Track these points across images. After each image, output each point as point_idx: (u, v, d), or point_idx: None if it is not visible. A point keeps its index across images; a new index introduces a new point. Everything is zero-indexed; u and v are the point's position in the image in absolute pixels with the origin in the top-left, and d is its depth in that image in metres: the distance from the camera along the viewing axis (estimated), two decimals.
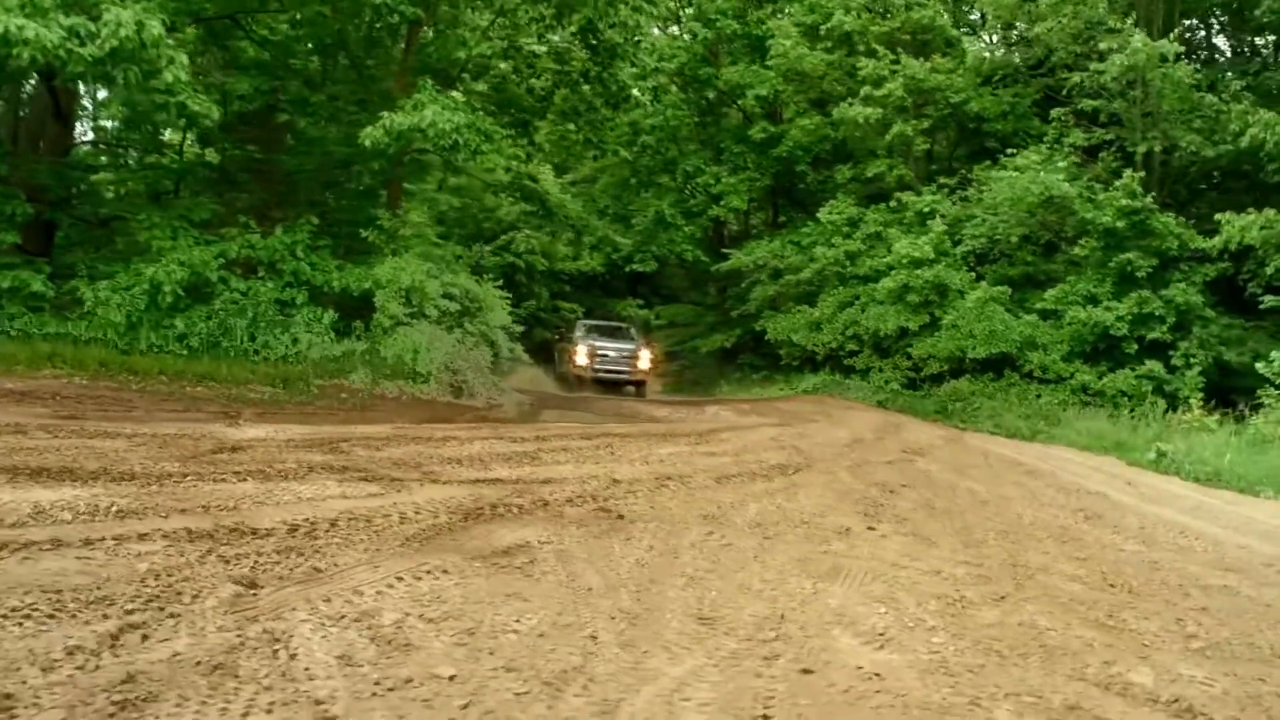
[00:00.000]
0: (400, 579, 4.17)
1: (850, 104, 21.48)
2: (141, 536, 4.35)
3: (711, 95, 26.57)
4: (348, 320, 16.41)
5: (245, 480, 5.80)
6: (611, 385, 20.95)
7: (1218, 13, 19.32)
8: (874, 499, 7.22)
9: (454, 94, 16.92)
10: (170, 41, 13.66)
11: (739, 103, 26.50)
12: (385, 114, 15.52)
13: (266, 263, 16.36)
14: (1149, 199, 16.57)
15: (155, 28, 13.15)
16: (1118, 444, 11.91)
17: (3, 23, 12.08)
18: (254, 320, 15.69)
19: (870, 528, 6.25)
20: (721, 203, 25.60)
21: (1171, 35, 16.52)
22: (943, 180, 21.04)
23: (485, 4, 17.83)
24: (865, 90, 21.28)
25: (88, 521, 4.52)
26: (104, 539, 4.25)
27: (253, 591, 3.78)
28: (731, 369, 26.72)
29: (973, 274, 19.35)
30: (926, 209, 20.42)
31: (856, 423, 13.35)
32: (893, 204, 21.12)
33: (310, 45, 18.02)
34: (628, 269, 27.40)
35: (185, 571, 3.94)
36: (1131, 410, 15.72)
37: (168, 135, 19.76)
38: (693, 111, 27.22)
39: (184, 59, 13.92)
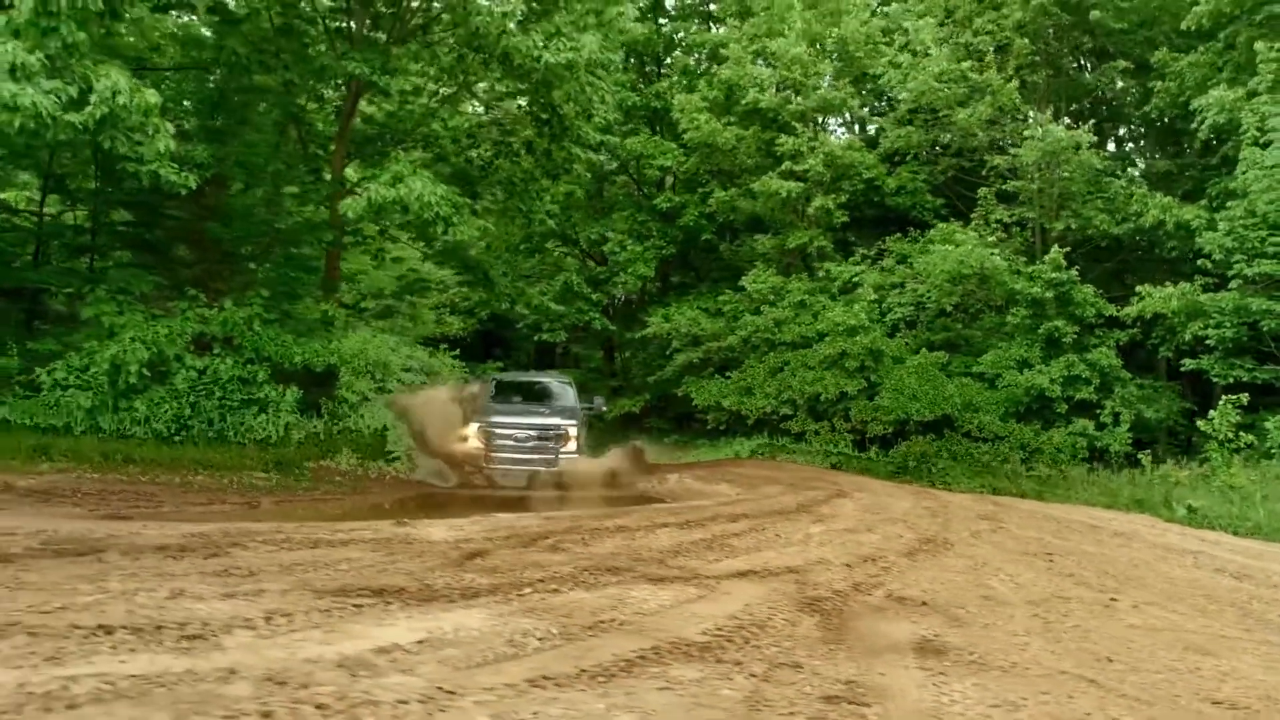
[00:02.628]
0: (936, 687, 4.15)
1: (771, 177, 22.47)
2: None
3: (614, 164, 27.02)
4: (310, 398, 15.64)
5: (576, 589, 5.52)
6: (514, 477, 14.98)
7: (1114, 104, 21.62)
8: (1070, 569, 7.65)
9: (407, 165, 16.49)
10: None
11: (642, 172, 27.10)
12: (369, 185, 15.01)
13: (222, 338, 15.36)
14: (1073, 271, 18.23)
15: (151, 96, 12.41)
16: (1136, 501, 12.98)
17: None
18: (221, 401, 14.69)
19: (1113, 599, 6.65)
20: (630, 270, 25.96)
21: (1085, 126, 18.38)
22: (863, 251, 22.26)
23: (429, 63, 17.61)
24: (786, 165, 22.35)
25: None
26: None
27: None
28: (637, 434, 26.91)
29: (903, 341, 20.53)
30: (853, 278, 21.55)
31: (873, 489, 13.86)
32: (821, 273, 22.14)
33: (261, 110, 17.15)
34: (536, 338, 27.22)
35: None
36: (1067, 465, 17.20)
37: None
38: (592, 179, 27.58)
39: (169, 127, 13.12)
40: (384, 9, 17.81)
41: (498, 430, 15.31)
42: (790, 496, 11.93)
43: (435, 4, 17.37)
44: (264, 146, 17.79)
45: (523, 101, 18.90)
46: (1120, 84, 19.73)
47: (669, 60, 28.89)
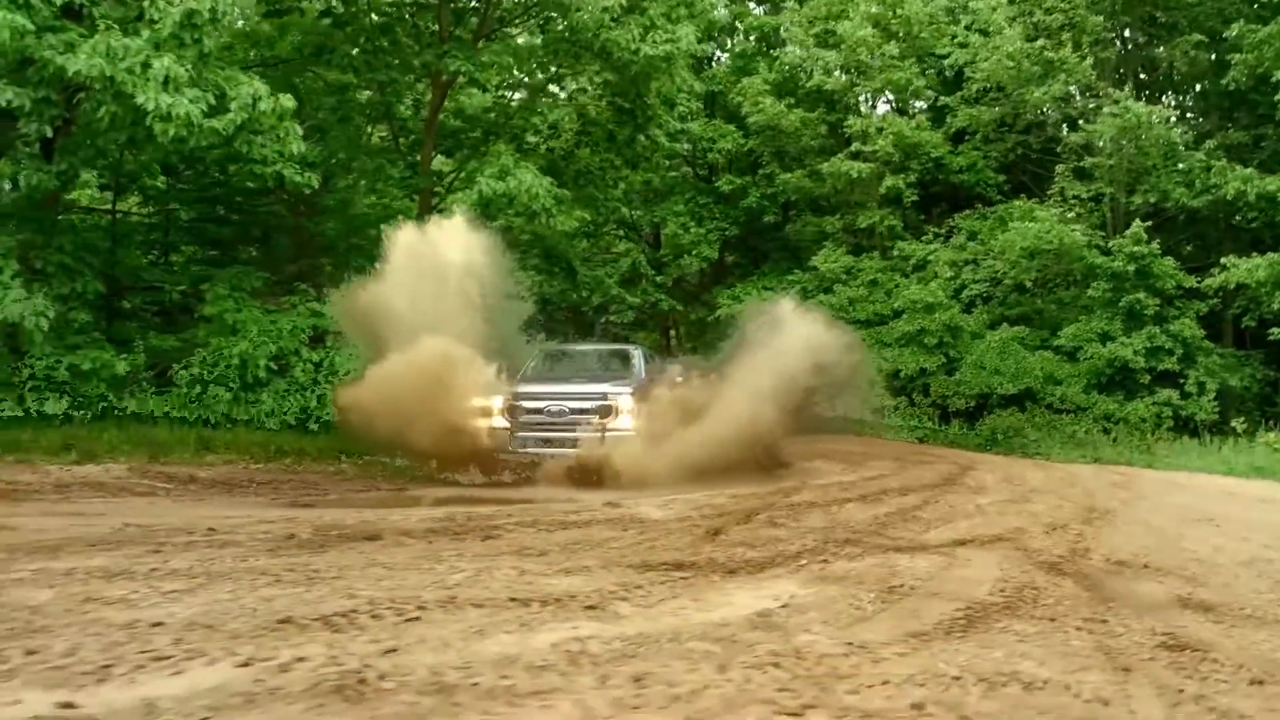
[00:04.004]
0: (1241, 638, 4.58)
1: (840, 159, 22.83)
2: None
3: (683, 149, 27.33)
4: None
5: (838, 559, 6.01)
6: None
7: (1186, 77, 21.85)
8: (1242, 533, 8.10)
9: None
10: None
11: (704, 156, 27.44)
12: (478, 178, 15.46)
13: (333, 331, 15.91)
14: (1154, 245, 18.56)
15: (287, 101, 12.93)
16: (1256, 468, 13.37)
17: (153, 99, 11.64)
18: None
19: None
20: (693, 252, 26.37)
21: (1169, 102, 18.67)
22: (934, 230, 22.64)
23: (526, 58, 17.99)
24: (856, 145, 22.70)
25: None
26: None
27: None
28: None
29: (981, 316, 20.92)
30: (928, 256, 21.94)
31: (988, 463, 14.31)
32: (895, 252, 22.52)
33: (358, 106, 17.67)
34: (604, 320, 27.69)
35: None
36: (1155, 434, 17.62)
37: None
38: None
39: (299, 130, 13.66)
40: (474, 3, 18.18)
41: (525, 403, 11.74)
42: (917, 470, 12.39)
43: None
44: (361, 142, 18.32)
45: (604, 91, 19.23)
46: (1194, 56, 19.90)
47: (729, 44, 29.16)
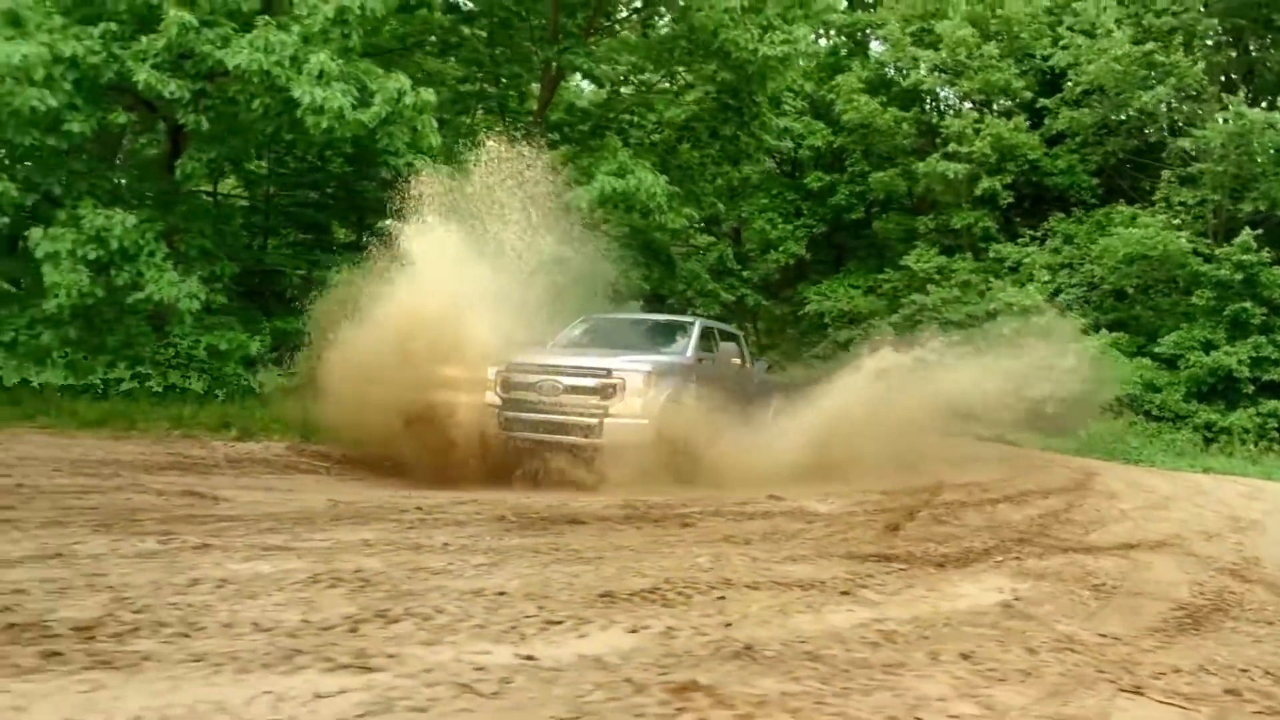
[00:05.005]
0: None
1: (935, 159, 22.90)
2: None
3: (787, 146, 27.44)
4: None
5: (1027, 558, 6.31)
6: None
7: None
8: None
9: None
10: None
11: (794, 153, 27.61)
12: (599, 175, 15.82)
13: None
14: (1263, 253, 18.44)
15: (428, 94, 13.39)
16: None
17: (308, 93, 12.17)
18: None
19: None
20: (781, 248, 26.58)
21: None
22: (1030, 232, 22.63)
23: (644, 55, 18.30)
24: (952, 146, 22.75)
25: None
26: None
27: None
28: None
29: (1077, 320, 20.89)
30: (1023, 259, 21.95)
31: (1107, 468, 14.41)
32: (991, 254, 22.56)
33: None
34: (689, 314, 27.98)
35: None
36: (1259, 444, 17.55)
37: None
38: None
39: (434, 123, 14.13)
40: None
41: (519, 376, 9.49)
42: (1038, 474, 12.60)
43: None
44: (475, 135, 18.80)
45: (712, 88, 19.47)
46: None
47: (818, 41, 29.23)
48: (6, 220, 13.48)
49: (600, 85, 18.49)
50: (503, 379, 9.56)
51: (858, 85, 24.61)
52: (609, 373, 9.25)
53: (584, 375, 9.34)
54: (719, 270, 26.77)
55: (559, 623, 3.48)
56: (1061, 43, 21.79)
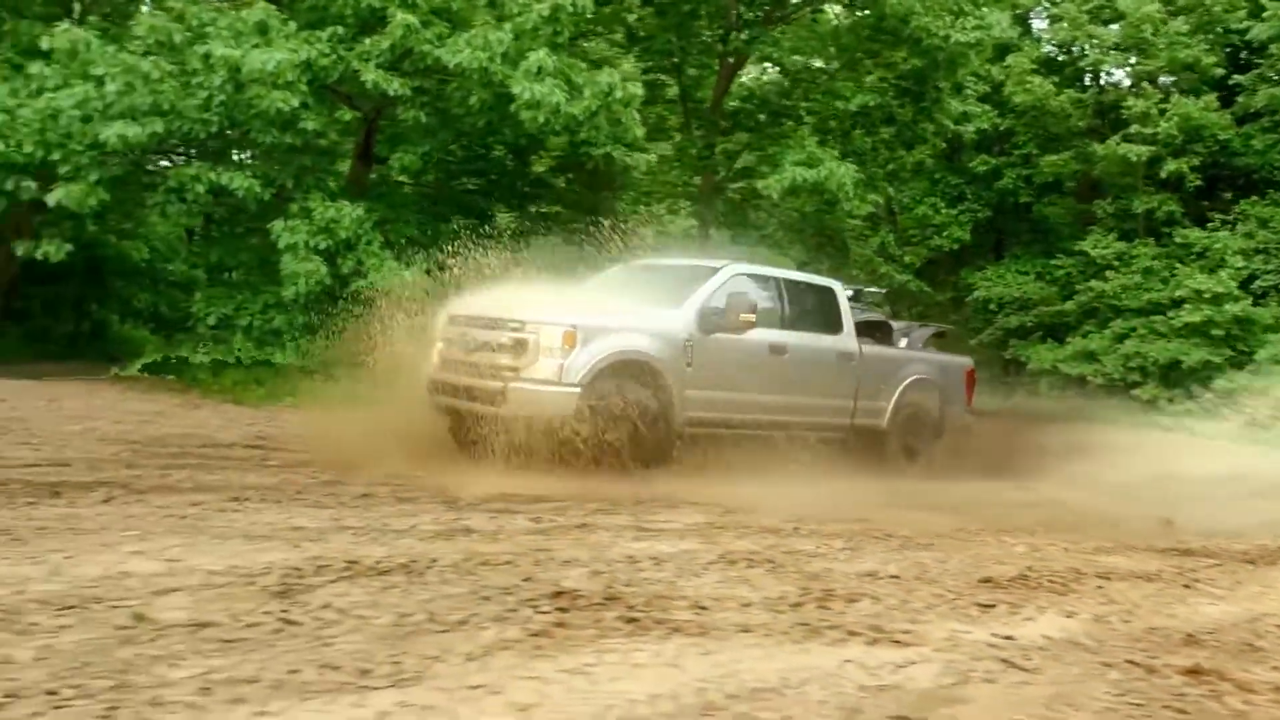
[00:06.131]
0: None
1: (1115, 141, 22.16)
2: None
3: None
4: None
5: None
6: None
7: None
8: None
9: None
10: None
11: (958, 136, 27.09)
12: (788, 165, 15.91)
13: None
14: None
15: (635, 88, 13.72)
16: None
17: (528, 89, 12.63)
18: None
19: None
20: (945, 233, 26.17)
21: None
22: (1220, 216, 21.74)
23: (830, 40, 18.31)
24: (1135, 128, 21.96)
25: None
26: None
27: None
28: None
29: (1278, 310, 20.03)
30: (1213, 244, 21.11)
31: None
32: (1177, 239, 21.78)
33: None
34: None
35: None
36: None
37: None
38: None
39: (637, 116, 14.47)
40: None
41: (449, 330, 8.16)
42: None
43: None
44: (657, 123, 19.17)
45: (889, 74, 19.30)
46: None
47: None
48: (250, 214, 14.43)
49: (785, 72, 18.53)
50: (440, 333, 8.24)
51: (1028, 66, 23.97)
52: (523, 325, 7.45)
53: (498, 328, 7.63)
54: (882, 255, 26.58)
55: (990, 606, 3.69)
56: (1264, 15, 20.75)
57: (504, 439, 7.14)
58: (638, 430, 7.45)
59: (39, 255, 12.97)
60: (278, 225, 13.14)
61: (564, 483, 6.49)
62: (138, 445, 8.11)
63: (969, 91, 20.40)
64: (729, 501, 6.18)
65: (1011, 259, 26.06)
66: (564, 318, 7.43)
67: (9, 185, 12.44)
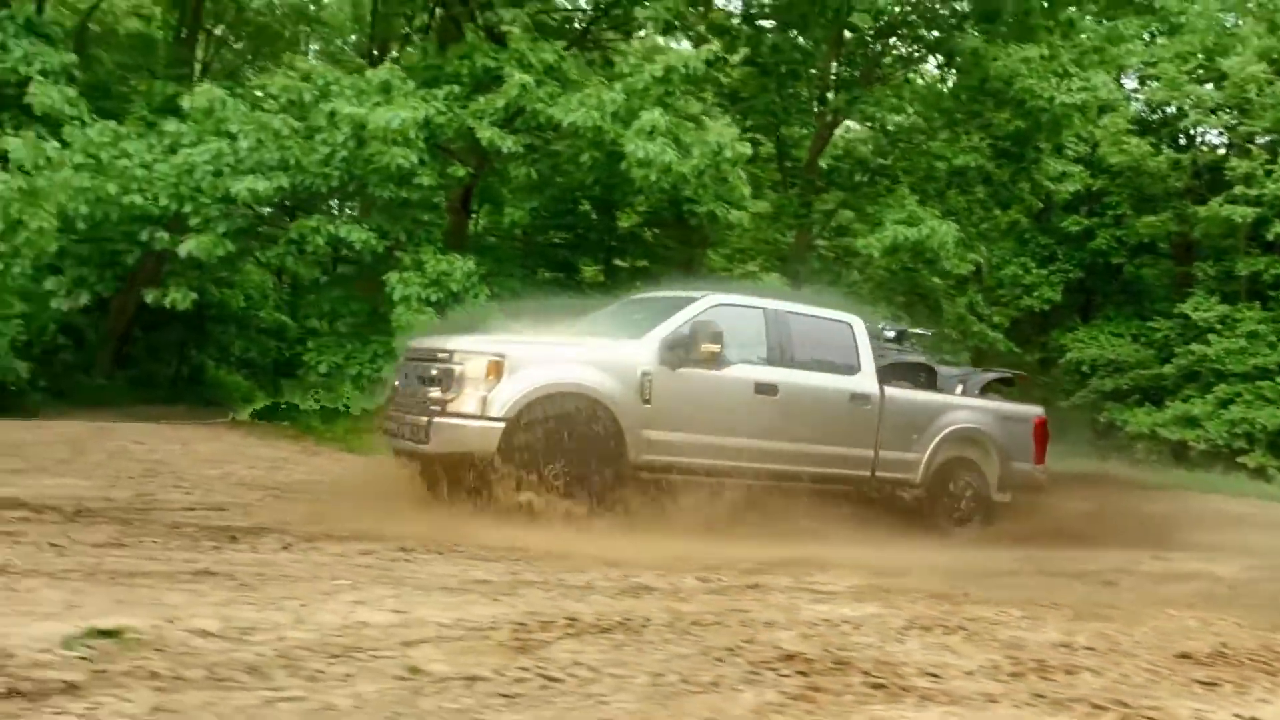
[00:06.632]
0: None
1: (1218, 203, 21.77)
2: None
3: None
4: None
5: None
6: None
7: None
8: None
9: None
10: None
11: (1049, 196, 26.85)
12: (889, 224, 15.90)
13: None
14: None
15: (744, 148, 13.87)
16: None
17: (641, 148, 12.85)
18: None
19: None
20: (1035, 294, 25.82)
21: None
22: None
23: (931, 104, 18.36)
24: (1239, 189, 21.57)
25: None
26: None
27: None
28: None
29: None
30: None
31: None
32: None
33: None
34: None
35: None
36: None
37: None
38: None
39: (744, 175, 14.61)
40: (868, 50, 18.81)
41: (401, 363, 8.25)
42: None
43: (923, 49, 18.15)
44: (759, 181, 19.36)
45: (987, 135, 19.24)
46: None
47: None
48: (363, 265, 14.84)
49: (886, 133, 18.62)
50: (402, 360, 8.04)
51: (1124, 126, 23.75)
52: (450, 355, 7.04)
53: (431, 360, 7.24)
54: (969, 316, 26.28)
55: (1212, 684, 3.60)
56: None
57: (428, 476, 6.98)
58: (575, 472, 6.77)
59: (167, 303, 13.47)
60: (393, 277, 13.47)
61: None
62: (276, 491, 8.35)
63: (1069, 152, 20.20)
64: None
65: (1103, 320, 25.63)
66: (489, 346, 7.00)
67: (144, 236, 13.01)
